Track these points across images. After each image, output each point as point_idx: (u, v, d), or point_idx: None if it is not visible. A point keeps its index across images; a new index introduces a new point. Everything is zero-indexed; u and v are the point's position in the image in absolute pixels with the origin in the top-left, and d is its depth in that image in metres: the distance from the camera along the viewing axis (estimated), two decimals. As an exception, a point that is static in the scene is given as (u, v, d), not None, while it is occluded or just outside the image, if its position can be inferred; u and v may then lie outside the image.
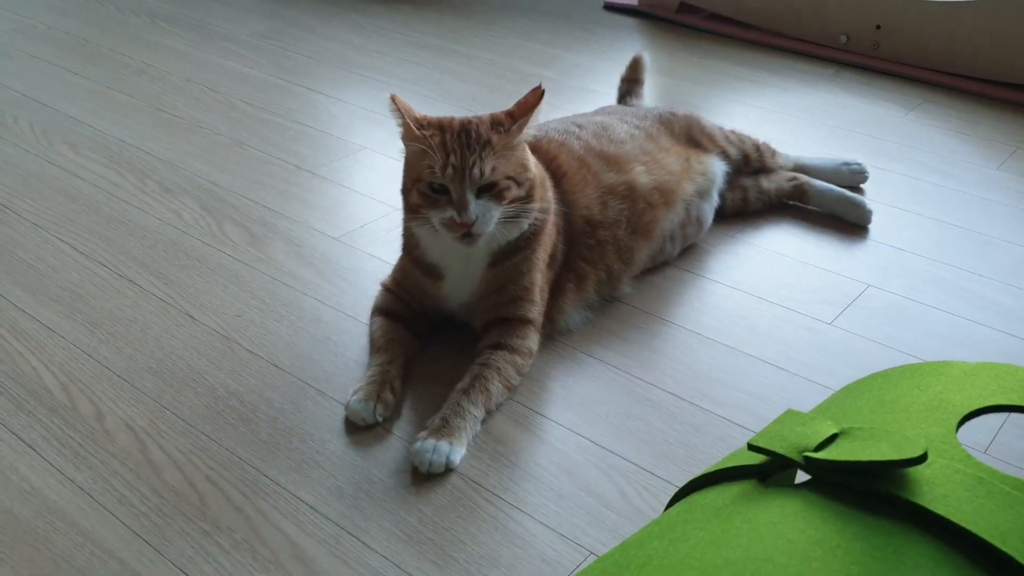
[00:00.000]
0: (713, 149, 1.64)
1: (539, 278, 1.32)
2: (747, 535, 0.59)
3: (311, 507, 1.08)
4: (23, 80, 2.26)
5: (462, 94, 2.27)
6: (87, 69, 2.35)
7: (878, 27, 2.46)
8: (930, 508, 0.58)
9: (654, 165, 1.49)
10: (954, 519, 0.57)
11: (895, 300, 1.50)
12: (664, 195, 1.48)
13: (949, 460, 0.63)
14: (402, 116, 1.21)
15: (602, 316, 1.44)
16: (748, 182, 1.71)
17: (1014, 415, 1.24)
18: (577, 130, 1.49)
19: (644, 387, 1.29)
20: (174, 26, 2.68)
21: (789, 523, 0.59)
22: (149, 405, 1.23)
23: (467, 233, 1.19)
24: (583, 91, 2.28)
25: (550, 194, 1.32)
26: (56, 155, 1.90)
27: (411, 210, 1.25)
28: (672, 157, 1.53)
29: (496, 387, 1.23)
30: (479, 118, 1.23)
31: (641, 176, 1.46)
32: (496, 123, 1.21)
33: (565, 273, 1.38)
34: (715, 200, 1.62)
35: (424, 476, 1.13)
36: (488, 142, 1.19)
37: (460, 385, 1.22)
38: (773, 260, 1.60)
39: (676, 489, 1.11)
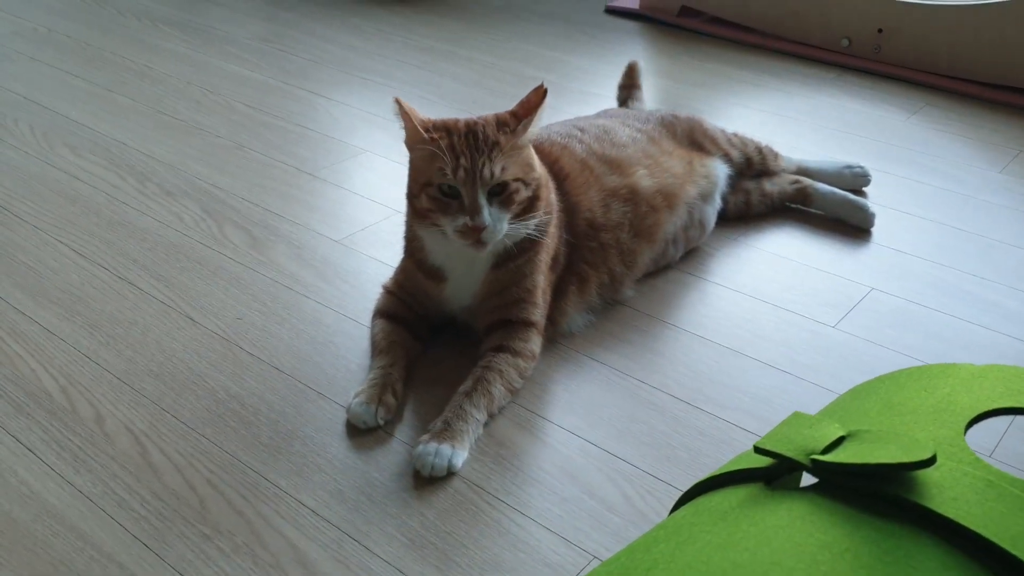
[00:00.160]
0: (715, 152, 1.64)
1: (541, 280, 1.31)
2: (754, 538, 0.58)
3: (312, 511, 1.07)
4: (24, 82, 2.26)
5: (463, 97, 2.27)
6: (88, 72, 2.34)
7: (880, 31, 2.46)
8: (939, 511, 0.58)
9: (656, 168, 1.48)
10: (964, 522, 0.57)
11: (898, 303, 1.49)
12: (667, 198, 1.48)
13: (958, 463, 0.62)
14: (408, 119, 1.20)
15: (604, 319, 1.43)
16: (751, 185, 1.70)
17: (1019, 419, 1.23)
18: (579, 133, 1.48)
19: (647, 390, 1.29)
20: (175, 29, 2.68)
21: (797, 526, 0.59)
22: (149, 408, 1.23)
23: (478, 240, 1.18)
24: (584, 94, 2.28)
25: (553, 196, 1.32)
26: (56, 157, 1.89)
27: (419, 215, 1.24)
28: (674, 160, 1.53)
29: (498, 390, 1.22)
30: (484, 119, 1.22)
31: (643, 179, 1.45)
32: (501, 124, 1.21)
33: (567, 276, 1.37)
34: (717, 203, 1.62)
35: (426, 480, 1.12)
36: (496, 143, 1.18)
37: (462, 388, 1.21)
38: (776, 263, 1.59)
39: (680, 493, 1.10)
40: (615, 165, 1.44)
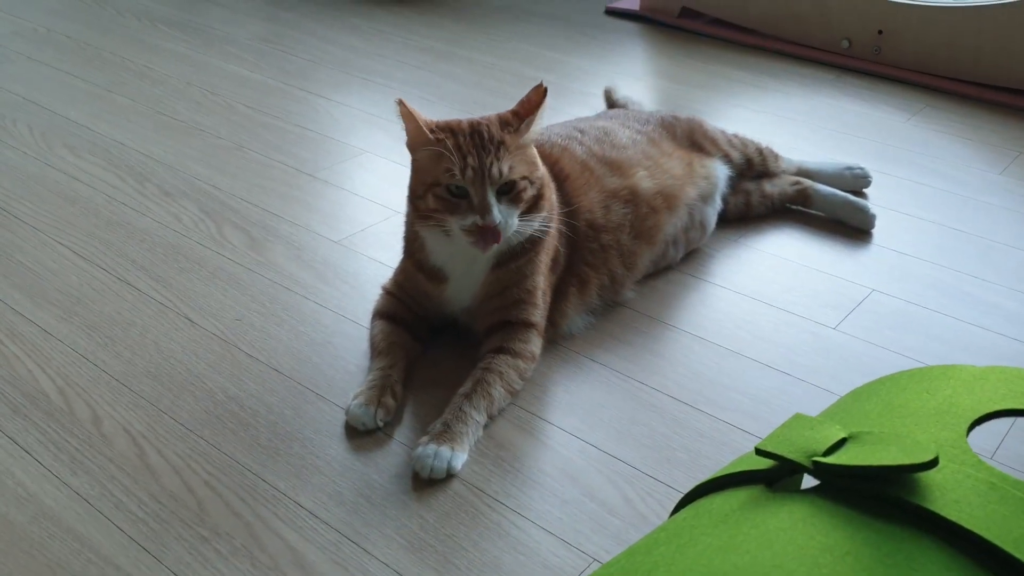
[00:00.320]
0: (716, 153, 1.64)
1: (541, 282, 1.31)
2: (756, 541, 0.58)
3: (311, 513, 1.07)
4: (23, 83, 2.26)
5: (463, 97, 2.27)
6: (87, 72, 2.34)
7: (880, 32, 2.45)
8: (941, 513, 0.57)
9: (657, 169, 1.48)
10: (966, 524, 0.57)
11: (899, 304, 1.49)
12: (667, 199, 1.47)
13: (960, 465, 0.62)
14: (412, 120, 1.19)
15: (605, 320, 1.43)
16: (751, 186, 1.70)
17: (1021, 421, 1.23)
18: (579, 135, 1.48)
19: (647, 392, 1.28)
20: (175, 29, 2.68)
21: (798, 529, 0.58)
22: (147, 409, 1.22)
23: (486, 239, 1.17)
24: (584, 95, 2.27)
25: (553, 197, 1.31)
26: (55, 158, 1.89)
27: (423, 216, 1.23)
28: (674, 161, 1.53)
29: (498, 391, 1.22)
30: (486, 119, 1.22)
31: (644, 180, 1.45)
32: (505, 123, 1.21)
33: (568, 277, 1.37)
34: (718, 204, 1.62)
35: (425, 482, 1.12)
36: (502, 142, 1.18)
37: (462, 390, 1.21)
38: (776, 264, 1.59)
39: (680, 494, 1.10)
40: (615, 166, 1.44)
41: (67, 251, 1.57)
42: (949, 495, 0.59)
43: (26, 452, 1.15)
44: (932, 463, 0.59)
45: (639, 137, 1.53)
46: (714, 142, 1.65)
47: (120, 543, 1.02)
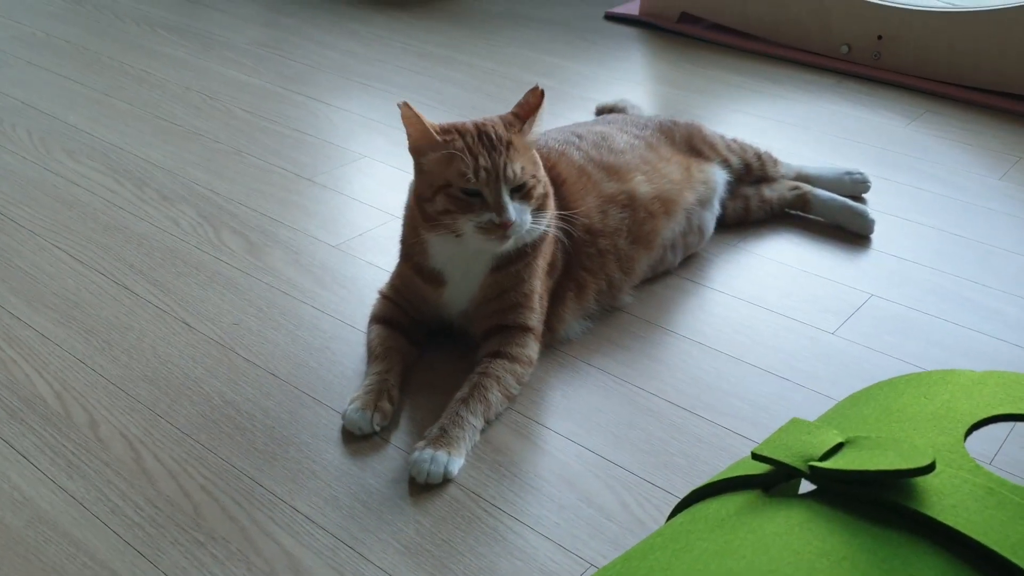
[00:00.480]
0: (714, 158, 1.63)
1: (539, 286, 1.31)
2: (752, 546, 0.58)
3: (307, 518, 1.07)
4: (22, 87, 2.26)
5: (462, 102, 2.27)
6: (86, 77, 2.34)
7: (880, 37, 2.46)
8: (938, 518, 0.57)
9: (655, 174, 1.48)
10: (963, 530, 0.56)
11: (898, 310, 1.48)
12: (665, 204, 1.47)
13: (957, 470, 0.62)
14: (418, 123, 1.18)
15: (603, 325, 1.43)
16: (750, 191, 1.70)
17: (1020, 426, 1.23)
18: (577, 140, 1.48)
19: (645, 397, 1.28)
20: (174, 34, 2.68)
21: (794, 534, 0.58)
22: (144, 414, 1.22)
23: (504, 235, 1.17)
24: (584, 100, 2.27)
25: (551, 201, 1.31)
26: (54, 162, 1.89)
27: (430, 219, 1.22)
28: (673, 166, 1.53)
29: (495, 396, 1.21)
30: (489, 120, 1.22)
31: (641, 185, 1.45)
32: (508, 123, 1.21)
33: (565, 282, 1.37)
34: (716, 209, 1.61)
35: (422, 487, 1.11)
36: (510, 142, 1.18)
37: (459, 394, 1.21)
38: (775, 269, 1.59)
39: (677, 500, 1.09)
40: (613, 171, 1.44)
41: (64, 255, 1.57)
42: (946, 500, 0.59)
43: (22, 456, 1.14)
44: (929, 468, 0.58)
45: (637, 142, 1.53)
46: (713, 147, 1.65)
47: (116, 547, 1.02)
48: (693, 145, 1.62)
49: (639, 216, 1.43)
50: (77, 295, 1.46)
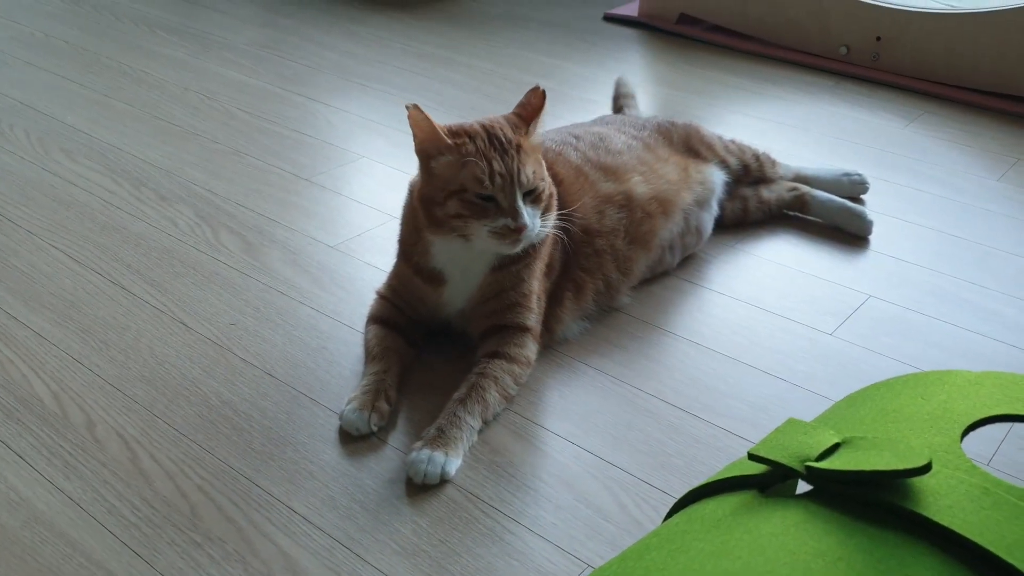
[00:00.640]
0: (712, 159, 1.63)
1: (537, 286, 1.31)
2: (748, 546, 0.58)
3: (304, 518, 1.06)
4: (20, 88, 2.26)
5: (461, 103, 2.27)
6: (85, 77, 2.34)
7: (878, 38, 2.46)
8: (934, 519, 0.57)
9: (652, 175, 1.48)
10: (959, 530, 0.56)
11: (896, 311, 1.48)
12: (662, 204, 1.47)
13: (954, 470, 0.61)
14: (428, 125, 1.17)
15: (601, 326, 1.43)
16: (748, 192, 1.70)
17: (1017, 426, 1.23)
18: (574, 140, 1.48)
19: (643, 397, 1.28)
20: (172, 35, 2.68)
21: (790, 534, 0.58)
22: (141, 414, 1.22)
23: (517, 240, 1.18)
24: (583, 101, 2.27)
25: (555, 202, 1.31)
26: (52, 162, 1.89)
27: (438, 222, 1.21)
28: (670, 167, 1.52)
29: (493, 397, 1.21)
30: (495, 121, 1.21)
31: (639, 186, 1.45)
32: (514, 126, 1.21)
33: (563, 283, 1.37)
34: (714, 210, 1.61)
35: (419, 487, 1.11)
36: (519, 146, 1.18)
37: (456, 395, 1.21)
38: (773, 270, 1.58)
39: (675, 500, 1.09)
40: (610, 171, 1.44)
41: (62, 255, 1.56)
42: (942, 500, 0.58)
43: (19, 456, 1.14)
44: (925, 468, 0.58)
45: (635, 143, 1.53)
46: (711, 148, 1.65)
47: (112, 548, 1.02)
48: (691, 146, 1.62)
49: (636, 216, 1.43)
50: (74, 295, 1.46)
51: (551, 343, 1.37)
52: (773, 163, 1.74)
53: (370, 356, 1.29)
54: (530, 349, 1.29)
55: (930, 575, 0.55)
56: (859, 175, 1.82)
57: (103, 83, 2.31)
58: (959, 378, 0.75)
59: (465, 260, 1.27)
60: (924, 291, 1.54)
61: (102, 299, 1.45)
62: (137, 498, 1.08)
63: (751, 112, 2.24)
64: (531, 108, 1.22)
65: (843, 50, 2.52)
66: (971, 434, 0.69)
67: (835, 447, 0.65)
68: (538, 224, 1.20)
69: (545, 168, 1.25)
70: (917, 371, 1.33)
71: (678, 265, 1.58)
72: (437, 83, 2.39)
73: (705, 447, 1.19)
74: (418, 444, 1.14)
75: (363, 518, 1.07)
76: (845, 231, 1.69)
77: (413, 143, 1.21)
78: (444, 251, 1.26)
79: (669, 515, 0.74)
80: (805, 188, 1.73)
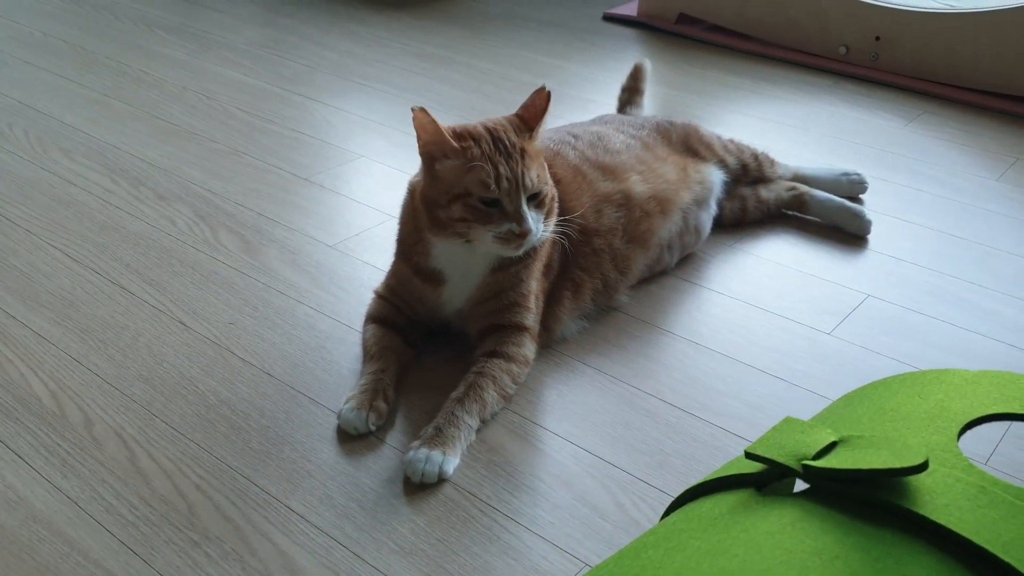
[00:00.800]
0: (711, 158, 1.63)
1: (535, 286, 1.31)
2: (744, 545, 0.57)
3: (302, 517, 1.06)
4: (19, 87, 2.26)
5: (461, 103, 2.27)
6: (84, 77, 2.34)
7: (877, 38, 2.46)
8: (931, 517, 0.57)
9: (650, 174, 1.48)
10: (955, 529, 0.56)
11: (895, 310, 1.48)
12: (661, 204, 1.47)
13: (950, 469, 0.61)
14: (434, 128, 1.16)
15: (599, 325, 1.42)
16: (747, 192, 1.69)
17: (1015, 426, 1.23)
18: (572, 140, 1.48)
19: (641, 397, 1.28)
20: (172, 34, 2.68)
21: (787, 532, 0.58)
22: (139, 413, 1.22)
23: (521, 245, 1.18)
24: (582, 101, 2.27)
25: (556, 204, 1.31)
26: (50, 162, 1.89)
27: (442, 224, 1.20)
28: (669, 166, 1.52)
29: (491, 396, 1.21)
30: (499, 123, 1.21)
31: (637, 185, 1.45)
32: (517, 128, 1.21)
33: (562, 282, 1.37)
34: (713, 209, 1.61)
35: (417, 486, 1.11)
36: (523, 149, 1.18)
37: (454, 394, 1.20)
38: (772, 270, 1.58)
39: (672, 499, 1.09)
40: (608, 171, 1.43)
41: (60, 254, 1.56)
42: (939, 499, 0.58)
43: (17, 455, 1.14)
44: (922, 467, 0.58)
45: (633, 142, 1.53)
46: (709, 147, 1.65)
47: (110, 547, 1.02)
48: (690, 145, 1.62)
49: (635, 215, 1.43)
50: (73, 294, 1.46)
51: (549, 342, 1.37)
52: (772, 163, 1.74)
53: (368, 355, 1.29)
54: (528, 348, 1.29)
55: (927, 573, 0.54)
56: (858, 175, 1.82)
57: (102, 82, 2.31)
58: (956, 377, 0.75)
59: (465, 261, 1.26)
60: (923, 291, 1.54)
61: (100, 298, 1.45)
62: (135, 497, 1.08)
63: (750, 112, 2.24)
64: (535, 110, 1.22)
65: (842, 50, 2.52)
66: (969, 433, 0.70)
67: (832, 446, 0.65)
68: (541, 228, 1.20)
69: (547, 171, 1.25)
70: (915, 370, 1.33)
71: (677, 264, 1.57)
72: (436, 83, 2.38)
73: (703, 446, 1.19)
74: (416, 443, 1.13)
75: (361, 517, 1.07)
76: (844, 231, 1.69)
77: (417, 144, 1.21)
78: (445, 252, 1.26)
79: (666, 514, 0.74)
80: (804, 188, 1.73)
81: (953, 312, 1.48)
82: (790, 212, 1.74)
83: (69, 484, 1.10)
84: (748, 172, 1.69)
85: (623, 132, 1.55)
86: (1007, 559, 0.54)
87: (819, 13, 2.53)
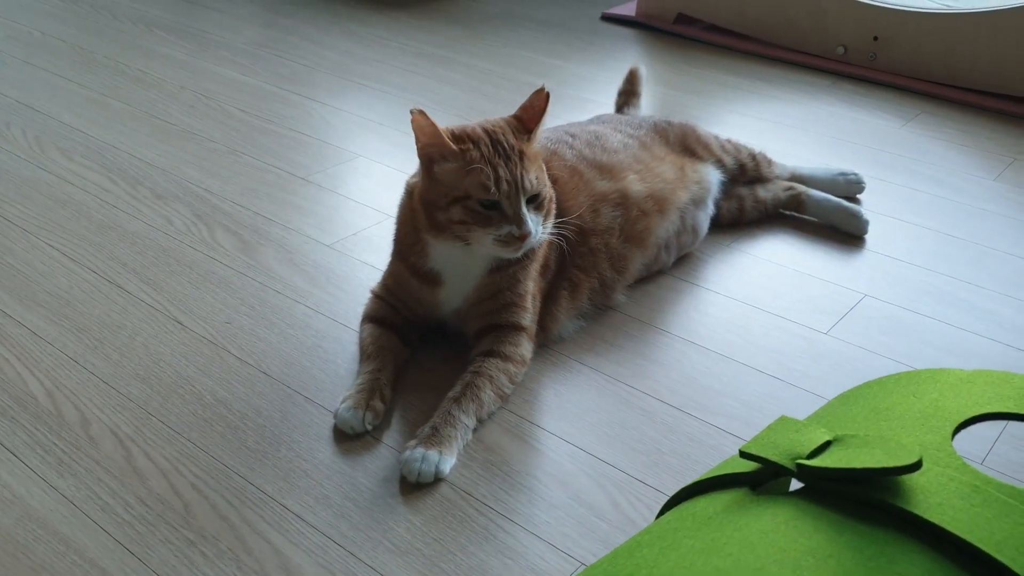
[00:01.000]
0: (708, 158, 1.63)
1: (532, 286, 1.31)
2: (738, 544, 0.57)
3: (298, 516, 1.06)
4: (17, 87, 2.25)
5: (460, 103, 2.27)
6: (82, 76, 2.34)
7: (875, 38, 2.46)
8: (924, 516, 0.57)
9: (648, 173, 1.48)
10: (949, 528, 0.56)
11: (891, 310, 1.48)
12: (658, 203, 1.47)
13: (944, 468, 0.61)
14: (432, 130, 1.16)
15: (596, 324, 1.42)
16: (744, 191, 1.70)
17: (1011, 425, 1.23)
18: (570, 139, 1.48)
19: (637, 396, 1.28)
20: (170, 34, 2.68)
21: (781, 531, 0.58)
22: (135, 412, 1.22)
23: (520, 248, 1.18)
24: (581, 101, 2.27)
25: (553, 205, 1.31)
26: (48, 161, 1.89)
27: (441, 226, 1.20)
28: (666, 166, 1.52)
29: (488, 395, 1.21)
30: (497, 125, 1.21)
31: (634, 184, 1.45)
32: (515, 130, 1.21)
33: (559, 281, 1.37)
34: (710, 209, 1.61)
35: (413, 485, 1.11)
36: (522, 151, 1.18)
37: (451, 393, 1.20)
38: (769, 269, 1.58)
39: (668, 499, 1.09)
40: (605, 170, 1.43)
41: (57, 253, 1.56)
42: (933, 498, 0.58)
43: (13, 454, 1.14)
44: (916, 466, 0.58)
45: (631, 141, 1.53)
46: (707, 147, 1.65)
47: (105, 546, 1.02)
48: (687, 145, 1.62)
49: (632, 215, 1.43)
50: (69, 293, 1.46)
51: (546, 342, 1.37)
52: (769, 162, 1.74)
53: (365, 355, 1.29)
54: (525, 348, 1.29)
55: (920, 572, 0.55)
56: (855, 174, 1.82)
57: (100, 82, 2.31)
58: (951, 376, 0.75)
59: (463, 262, 1.26)
60: (920, 290, 1.54)
61: (97, 297, 1.45)
62: (131, 496, 1.08)
63: (748, 112, 2.24)
64: (534, 111, 1.22)
65: (840, 50, 2.52)
66: (966, 433, 0.70)
67: (826, 445, 0.65)
68: (540, 229, 1.20)
69: (545, 172, 1.25)
70: (911, 370, 1.33)
71: (674, 264, 1.57)
72: (435, 82, 2.38)
73: (699, 445, 1.19)
74: (412, 443, 1.13)
75: (357, 516, 1.07)
76: (841, 230, 1.70)
77: (416, 146, 1.21)
78: (442, 253, 1.26)
79: (661, 513, 0.74)
80: (801, 187, 1.73)
81: (950, 312, 1.48)
82: (787, 212, 1.74)
83: (65, 483, 1.10)
84: (745, 172, 1.70)
85: (620, 131, 1.55)
86: (1000, 558, 0.54)
87: (817, 13, 2.53)
